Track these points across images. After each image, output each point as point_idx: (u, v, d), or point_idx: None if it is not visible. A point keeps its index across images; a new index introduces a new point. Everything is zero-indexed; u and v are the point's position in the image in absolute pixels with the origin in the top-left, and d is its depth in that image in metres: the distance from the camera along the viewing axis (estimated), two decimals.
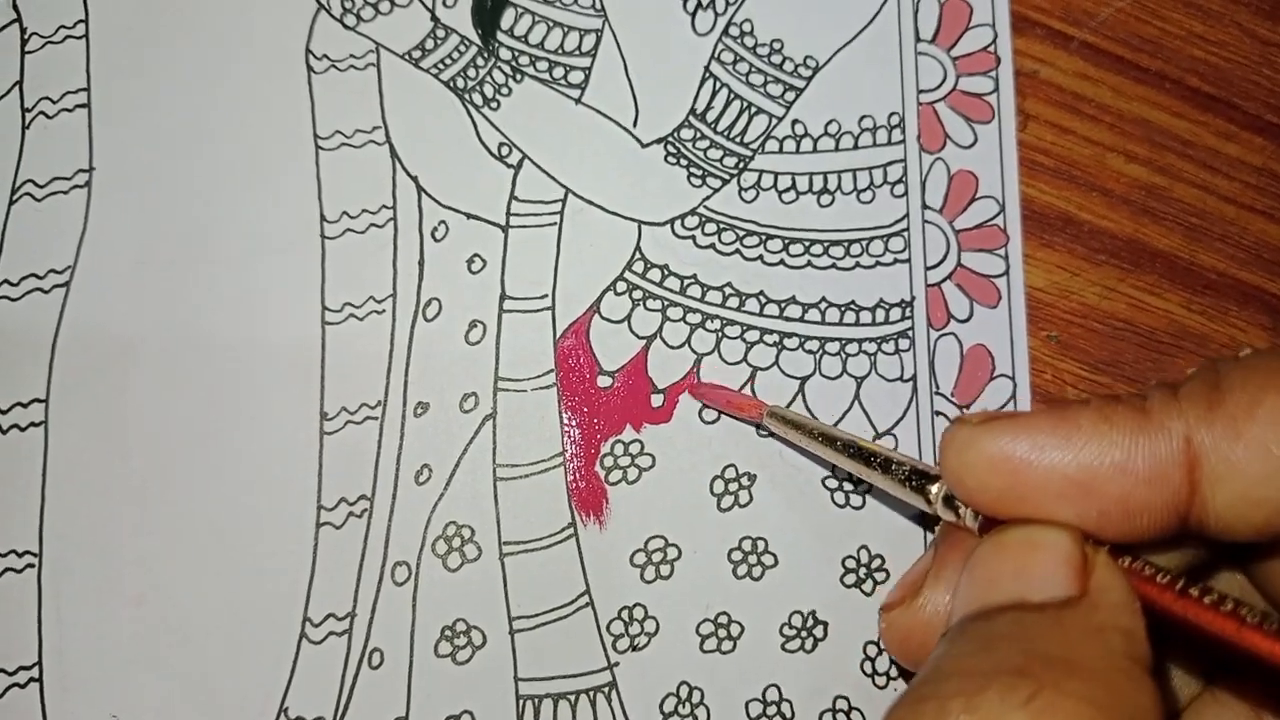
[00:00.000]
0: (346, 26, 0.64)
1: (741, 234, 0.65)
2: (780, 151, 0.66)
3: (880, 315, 0.65)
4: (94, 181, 0.62)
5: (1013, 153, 0.67)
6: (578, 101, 0.65)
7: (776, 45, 0.67)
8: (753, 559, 0.62)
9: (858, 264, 0.65)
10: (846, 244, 0.65)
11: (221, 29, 0.64)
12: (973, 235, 0.66)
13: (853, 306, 0.65)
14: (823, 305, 0.64)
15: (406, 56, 0.64)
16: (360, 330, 0.62)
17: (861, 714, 0.61)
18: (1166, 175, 0.68)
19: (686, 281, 0.64)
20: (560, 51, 0.65)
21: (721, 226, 0.65)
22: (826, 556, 0.63)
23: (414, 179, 0.63)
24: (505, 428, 0.62)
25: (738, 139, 0.66)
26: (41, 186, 0.62)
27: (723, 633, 0.61)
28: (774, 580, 0.62)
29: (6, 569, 0.58)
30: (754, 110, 0.66)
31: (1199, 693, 0.49)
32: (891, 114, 0.67)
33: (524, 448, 0.62)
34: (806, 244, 0.65)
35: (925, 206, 0.66)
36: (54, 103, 0.63)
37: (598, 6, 0.66)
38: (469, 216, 0.64)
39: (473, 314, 0.63)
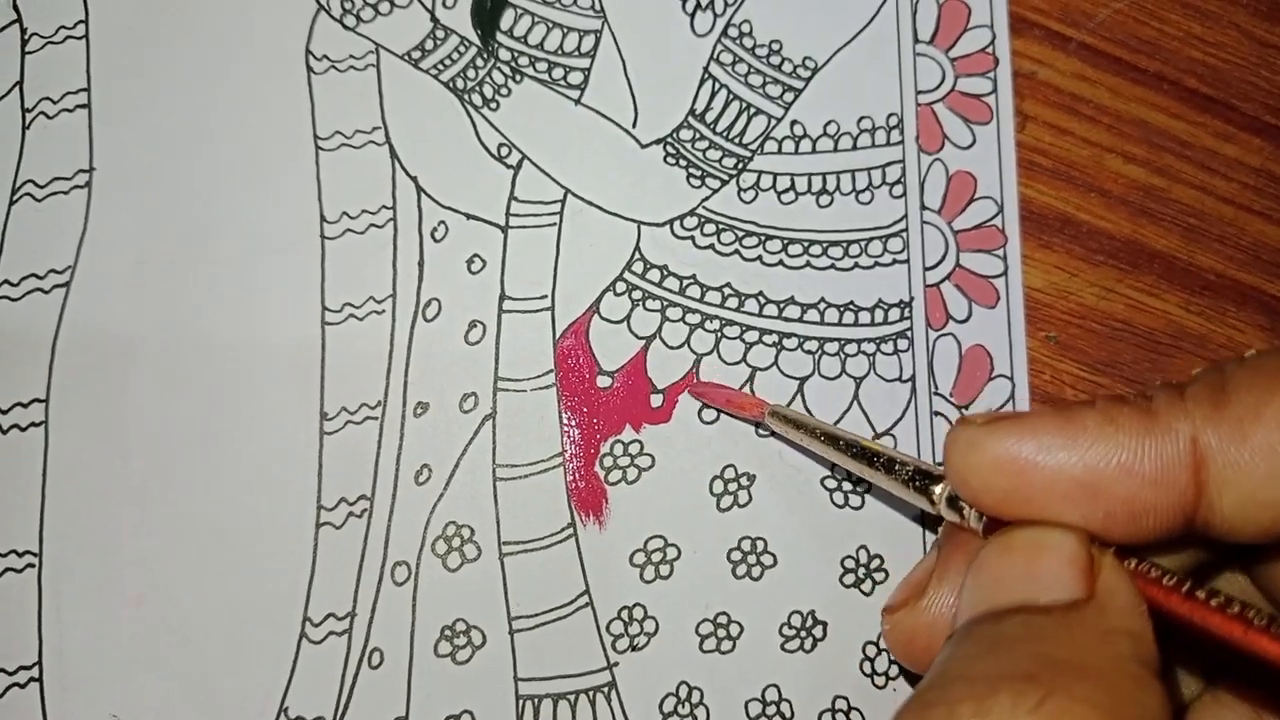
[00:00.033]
0: (346, 27, 0.64)
1: (741, 234, 0.65)
2: (779, 152, 0.66)
3: (879, 316, 0.65)
4: (94, 182, 0.62)
5: (1011, 153, 0.67)
6: (577, 102, 0.65)
7: (775, 46, 0.67)
8: (752, 559, 0.62)
9: (856, 264, 0.65)
10: (845, 244, 0.65)
11: (221, 29, 0.64)
12: (971, 236, 0.66)
13: (851, 307, 0.65)
14: (822, 306, 0.65)
15: (406, 57, 0.65)
16: (360, 330, 0.62)
17: (861, 714, 0.61)
18: (1165, 176, 0.68)
19: (686, 282, 0.64)
20: (560, 52, 0.65)
21: (721, 227, 0.65)
22: (826, 556, 0.63)
23: (414, 179, 0.64)
24: (505, 428, 0.62)
25: (737, 140, 0.66)
26: (42, 187, 0.62)
27: (722, 633, 0.61)
28: (773, 580, 0.62)
29: (7, 569, 0.58)
30: (753, 111, 0.66)
31: (1200, 693, 0.49)
32: (890, 115, 0.67)
33: (523, 448, 0.62)
34: (805, 244, 0.65)
35: (924, 207, 0.66)
36: (54, 103, 0.63)
37: (597, 7, 0.66)
38: (468, 217, 0.64)
39: (472, 314, 0.63)
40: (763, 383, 0.64)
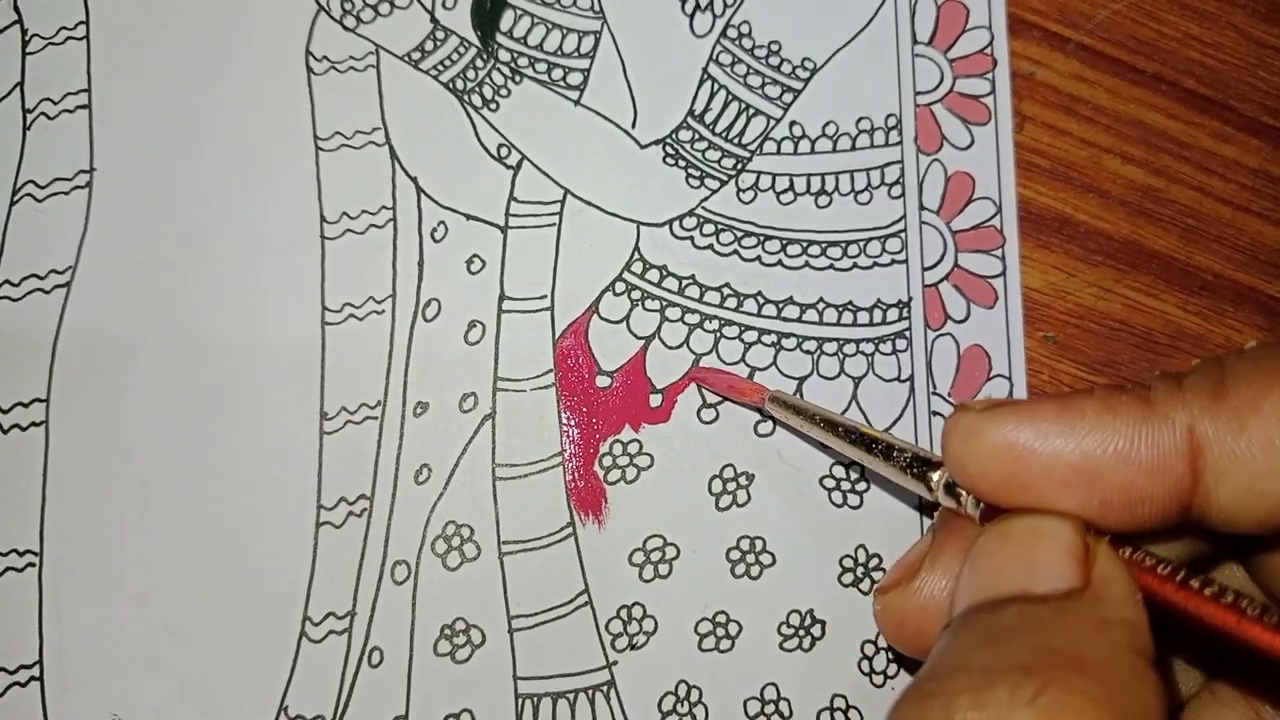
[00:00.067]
0: (346, 28, 0.65)
1: (740, 235, 0.65)
2: (778, 153, 0.66)
3: (878, 316, 0.65)
4: (95, 182, 0.62)
5: (1009, 154, 0.67)
6: (576, 103, 0.65)
7: (774, 47, 0.67)
8: (751, 558, 0.62)
9: (855, 265, 0.65)
10: (844, 245, 0.65)
11: (222, 30, 0.64)
12: (970, 236, 0.66)
13: (850, 307, 0.65)
14: (820, 306, 0.65)
15: (406, 58, 0.65)
16: (360, 330, 0.62)
17: (859, 712, 0.61)
18: (1163, 177, 0.68)
19: (685, 282, 0.64)
20: (559, 53, 0.65)
21: (720, 227, 0.65)
22: (824, 556, 0.63)
23: (413, 180, 0.64)
24: (504, 427, 0.62)
25: (736, 140, 0.66)
26: (42, 187, 0.62)
27: (721, 631, 0.61)
28: (772, 579, 0.62)
29: (7, 568, 0.58)
30: (752, 112, 0.66)
31: (1200, 687, 0.49)
32: (889, 115, 0.67)
33: (523, 447, 0.62)
34: (804, 245, 0.65)
35: (922, 208, 0.66)
36: (55, 104, 0.63)
37: (596, 8, 0.66)
38: (468, 217, 0.64)
39: (472, 314, 0.63)
40: (761, 382, 0.64)
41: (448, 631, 0.60)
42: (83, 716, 0.58)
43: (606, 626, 0.61)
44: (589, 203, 0.65)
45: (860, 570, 0.63)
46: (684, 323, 0.64)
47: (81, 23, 0.64)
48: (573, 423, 0.63)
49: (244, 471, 0.60)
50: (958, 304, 0.65)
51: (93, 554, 0.59)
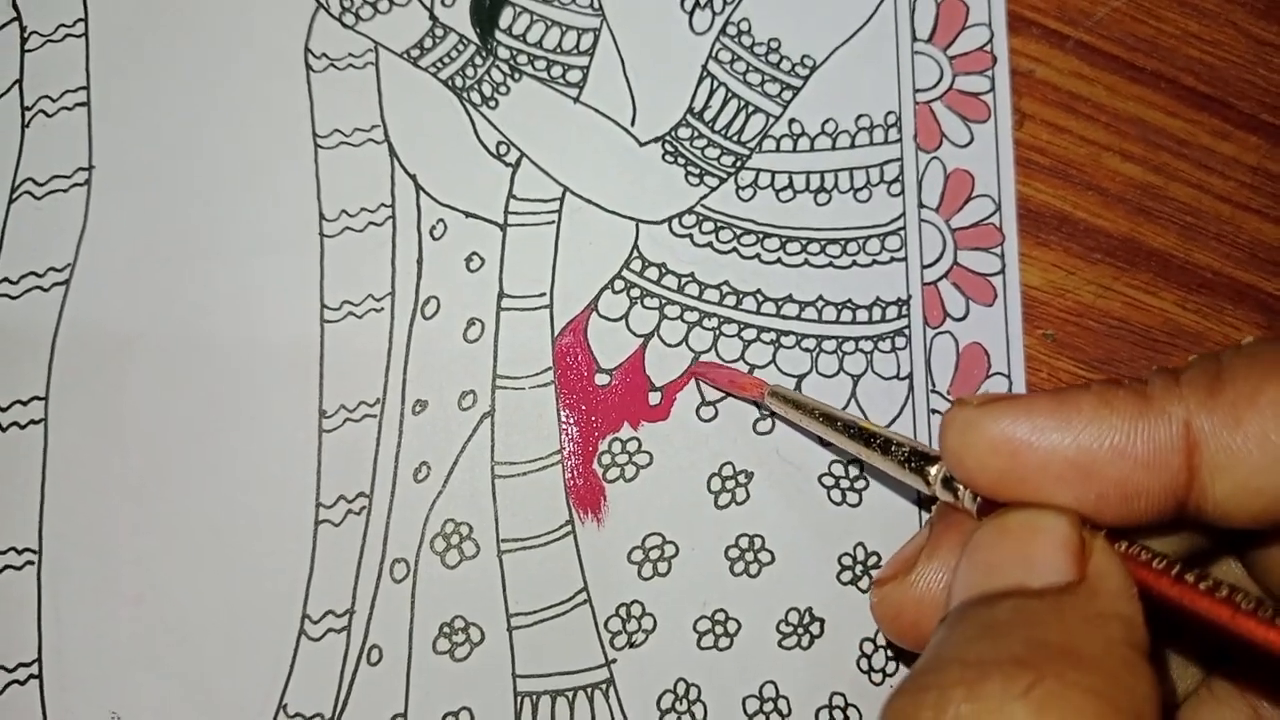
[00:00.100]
0: (345, 25, 0.65)
1: (739, 232, 0.65)
2: (777, 150, 0.66)
3: (877, 313, 0.65)
4: (93, 180, 0.62)
5: (1009, 152, 0.67)
6: (576, 100, 0.65)
7: (774, 44, 0.67)
8: (750, 556, 0.62)
9: (854, 262, 0.65)
10: (843, 242, 0.65)
11: (221, 28, 0.64)
12: (969, 234, 0.66)
13: (849, 305, 0.65)
14: (819, 303, 0.65)
15: (405, 55, 0.65)
16: (359, 328, 0.62)
17: (858, 711, 0.61)
18: (1162, 174, 0.68)
19: (684, 280, 0.64)
20: (558, 50, 0.65)
21: (719, 225, 0.65)
22: (823, 554, 0.63)
23: (412, 177, 0.64)
24: (503, 425, 0.62)
25: (735, 138, 0.66)
26: (41, 185, 0.62)
27: (720, 630, 0.61)
28: (771, 577, 0.62)
29: (6, 566, 0.58)
30: (751, 109, 0.66)
31: (1198, 684, 0.49)
32: (888, 113, 0.67)
33: (522, 445, 0.62)
34: (803, 242, 0.65)
35: (922, 205, 0.66)
36: (54, 101, 0.63)
37: (596, 6, 0.66)
38: (467, 215, 0.64)
39: (471, 312, 0.63)
40: (762, 378, 0.64)
41: (447, 629, 0.60)
42: (82, 715, 0.57)
43: (605, 625, 0.61)
44: (588, 200, 0.65)
45: (859, 568, 0.63)
46: (683, 320, 0.64)
47: (80, 20, 0.64)
48: (572, 421, 0.62)
49: (243, 470, 0.60)
50: (957, 302, 0.65)
51: (91, 552, 0.59)
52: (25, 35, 0.63)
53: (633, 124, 0.65)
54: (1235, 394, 0.40)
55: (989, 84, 0.67)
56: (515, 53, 0.65)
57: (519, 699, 0.59)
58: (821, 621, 0.62)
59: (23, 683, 0.58)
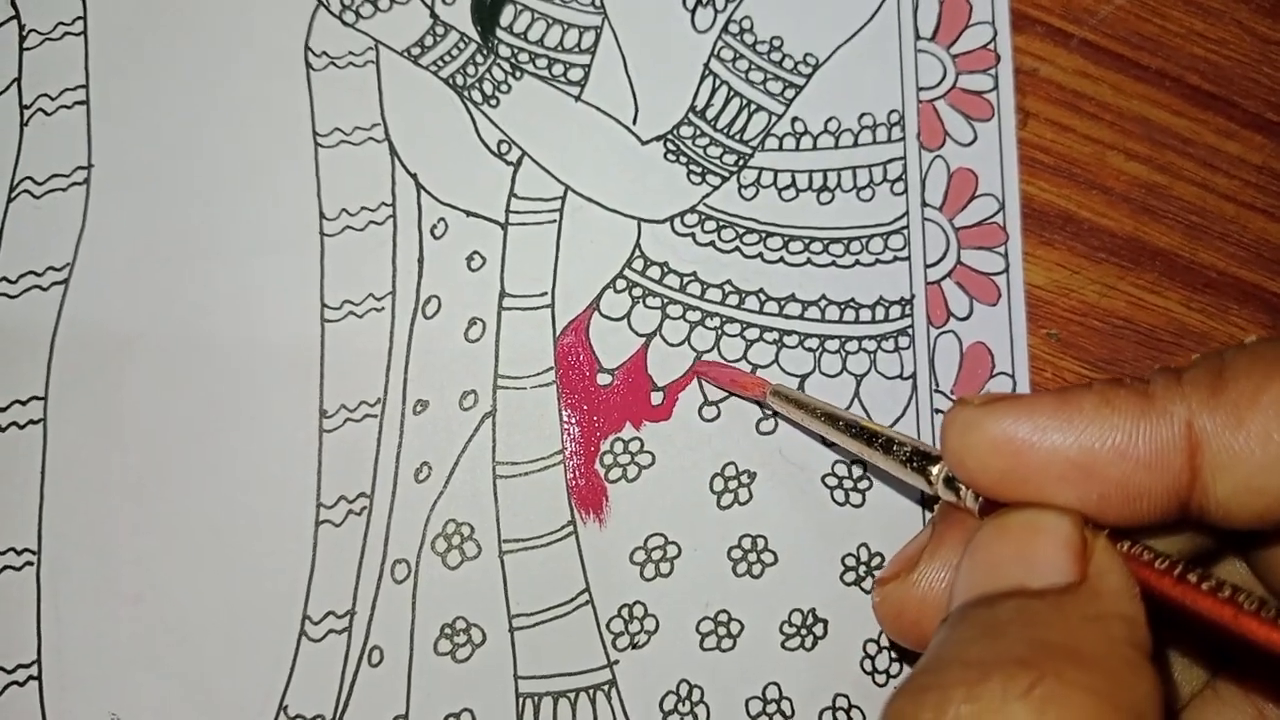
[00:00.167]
0: (345, 23, 0.64)
1: (741, 231, 0.65)
2: (780, 149, 0.66)
3: (880, 313, 0.65)
4: (93, 179, 0.62)
5: (1012, 150, 0.67)
6: (577, 99, 0.65)
7: (776, 42, 0.67)
8: (752, 557, 0.62)
9: (857, 261, 0.65)
10: (846, 241, 0.65)
11: (220, 26, 0.64)
12: (972, 233, 0.66)
13: (852, 304, 0.65)
14: (822, 303, 0.64)
15: (405, 53, 0.64)
16: (359, 328, 0.62)
17: (861, 712, 0.61)
18: (1166, 173, 0.68)
19: (686, 279, 0.64)
20: (560, 48, 0.65)
21: (721, 224, 0.65)
22: (826, 554, 0.62)
23: (413, 176, 0.63)
24: (505, 425, 0.62)
25: (737, 136, 0.66)
26: (40, 184, 0.62)
27: (723, 630, 0.61)
28: (774, 578, 0.62)
29: (5, 566, 0.58)
30: (754, 107, 0.66)
31: (1202, 686, 0.49)
32: (891, 111, 0.67)
33: (524, 445, 0.62)
34: (806, 241, 0.65)
35: (925, 204, 0.66)
36: (53, 100, 0.63)
37: (597, 4, 0.66)
38: (468, 214, 0.64)
39: (472, 311, 0.63)
40: (764, 378, 0.63)
41: (448, 630, 0.59)
42: (81, 716, 0.57)
43: (607, 625, 0.61)
44: (590, 199, 0.64)
45: (862, 569, 0.62)
46: (685, 320, 0.64)
47: (79, 18, 0.64)
48: (573, 421, 0.62)
49: (243, 470, 0.60)
50: (960, 301, 0.65)
51: (91, 552, 0.59)
52: (24, 33, 0.63)
53: (634, 122, 0.65)
54: (1237, 393, 0.39)
55: (992, 82, 0.67)
56: (516, 51, 0.65)
57: (520, 700, 0.59)
58: (825, 622, 0.62)
59: (22, 684, 0.57)
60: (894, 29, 0.67)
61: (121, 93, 0.63)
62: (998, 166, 0.66)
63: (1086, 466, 0.40)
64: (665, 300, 0.64)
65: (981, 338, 0.65)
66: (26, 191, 0.62)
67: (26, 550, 0.58)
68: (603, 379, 0.63)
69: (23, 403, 0.60)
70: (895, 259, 0.65)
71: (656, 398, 0.63)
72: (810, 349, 0.64)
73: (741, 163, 0.65)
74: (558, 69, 0.65)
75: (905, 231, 0.66)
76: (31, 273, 0.61)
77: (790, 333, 0.64)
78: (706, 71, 0.66)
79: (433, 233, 0.63)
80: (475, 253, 0.63)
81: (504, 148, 0.64)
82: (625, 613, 0.61)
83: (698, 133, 0.65)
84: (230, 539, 0.59)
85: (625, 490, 0.62)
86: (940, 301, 0.65)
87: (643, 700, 0.60)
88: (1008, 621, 0.37)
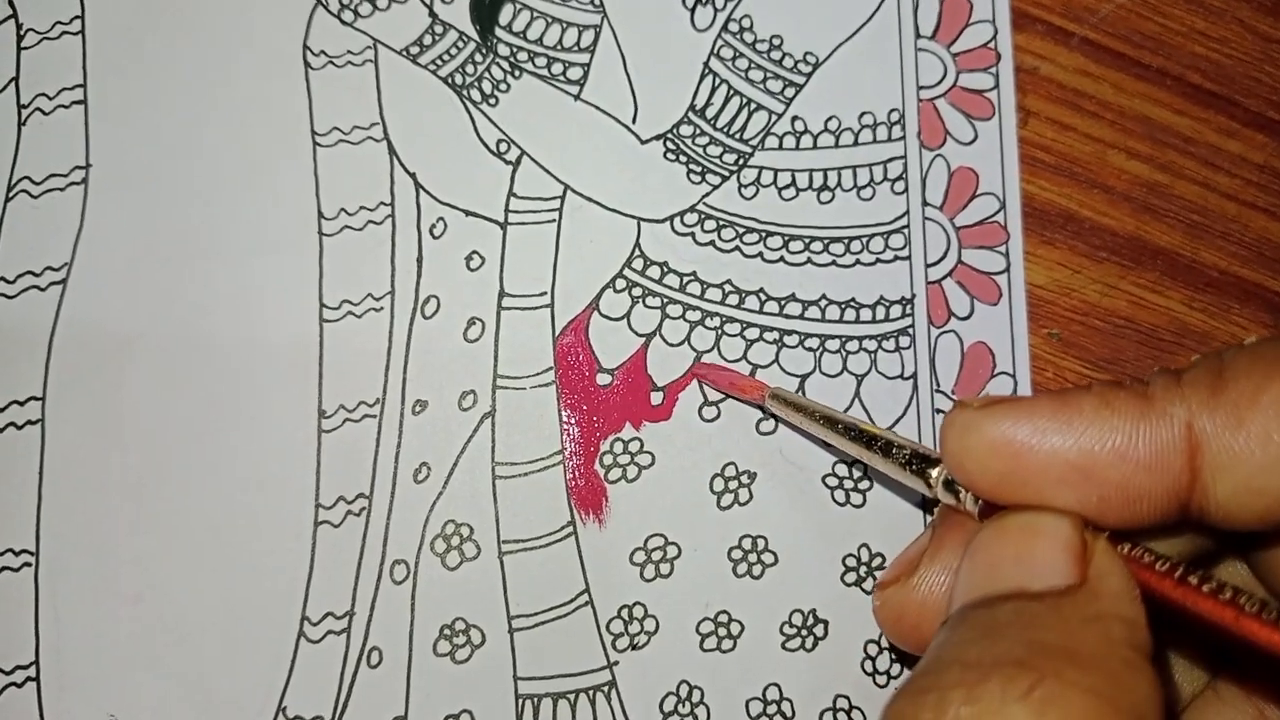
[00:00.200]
0: (344, 22, 0.64)
1: (741, 231, 0.65)
2: (780, 148, 0.66)
3: (880, 312, 0.65)
4: (91, 178, 0.62)
5: (1013, 149, 0.67)
6: (576, 98, 0.65)
7: (776, 41, 0.66)
8: (753, 557, 0.62)
9: (858, 261, 0.65)
10: (846, 241, 0.65)
11: (219, 25, 0.64)
12: (973, 232, 0.66)
13: (853, 304, 0.64)
14: (823, 302, 0.64)
15: (404, 52, 0.64)
16: (358, 328, 0.62)
17: (862, 713, 0.61)
18: (1168, 172, 0.67)
19: (686, 279, 0.64)
20: (559, 47, 0.65)
21: (721, 223, 0.65)
22: (827, 555, 0.62)
23: (412, 175, 0.63)
24: (504, 426, 0.62)
25: (737, 135, 0.66)
26: (38, 184, 0.62)
27: (723, 631, 0.61)
28: (774, 579, 0.62)
29: (3, 568, 0.58)
30: (754, 106, 0.66)
31: (1203, 687, 0.49)
32: (891, 110, 0.67)
33: (523, 446, 0.62)
34: (806, 241, 0.65)
35: (926, 203, 0.66)
36: (50, 99, 0.63)
37: (596, 2, 0.66)
38: (467, 213, 0.63)
39: (471, 311, 0.62)
40: (764, 379, 0.63)
41: (447, 631, 0.59)
42: (79, 717, 0.57)
43: (607, 626, 0.60)
44: (589, 199, 0.64)
45: (863, 570, 0.62)
46: (685, 320, 0.64)
47: (77, 17, 0.63)
48: (573, 421, 0.62)
49: (242, 470, 0.60)
50: (961, 301, 0.65)
51: (90, 553, 0.59)
52: (21, 32, 0.63)
53: (634, 121, 0.65)
54: (1237, 393, 0.39)
55: (993, 81, 0.67)
56: (515, 50, 0.65)
57: (520, 701, 0.59)
58: (825, 623, 0.62)
59: (20, 685, 0.57)
60: (894, 27, 0.67)
61: (119, 92, 0.63)
62: (998, 165, 0.66)
63: (1086, 469, 0.40)
64: (665, 300, 0.64)
65: (982, 337, 0.65)
66: (24, 191, 0.61)
67: (24, 551, 0.58)
68: (602, 379, 0.63)
69: (20, 403, 0.60)
70: (896, 258, 0.65)
71: (656, 398, 0.63)
72: (810, 349, 0.64)
73: (741, 162, 0.65)
74: (557, 68, 0.65)
75: (906, 231, 0.65)
76: (29, 273, 0.61)
77: (790, 332, 0.64)
78: (706, 70, 0.66)
79: (431, 232, 0.63)
80: (474, 252, 0.63)
81: (503, 147, 0.64)
82: (625, 613, 0.61)
83: (697, 132, 0.65)
84: (229, 539, 0.59)
85: (625, 490, 0.62)
86: (941, 301, 0.65)
87: (642, 701, 0.60)
88: (1007, 623, 0.37)
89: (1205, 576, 0.38)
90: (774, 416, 0.63)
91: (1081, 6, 0.68)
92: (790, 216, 0.65)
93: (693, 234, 0.64)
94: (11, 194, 0.61)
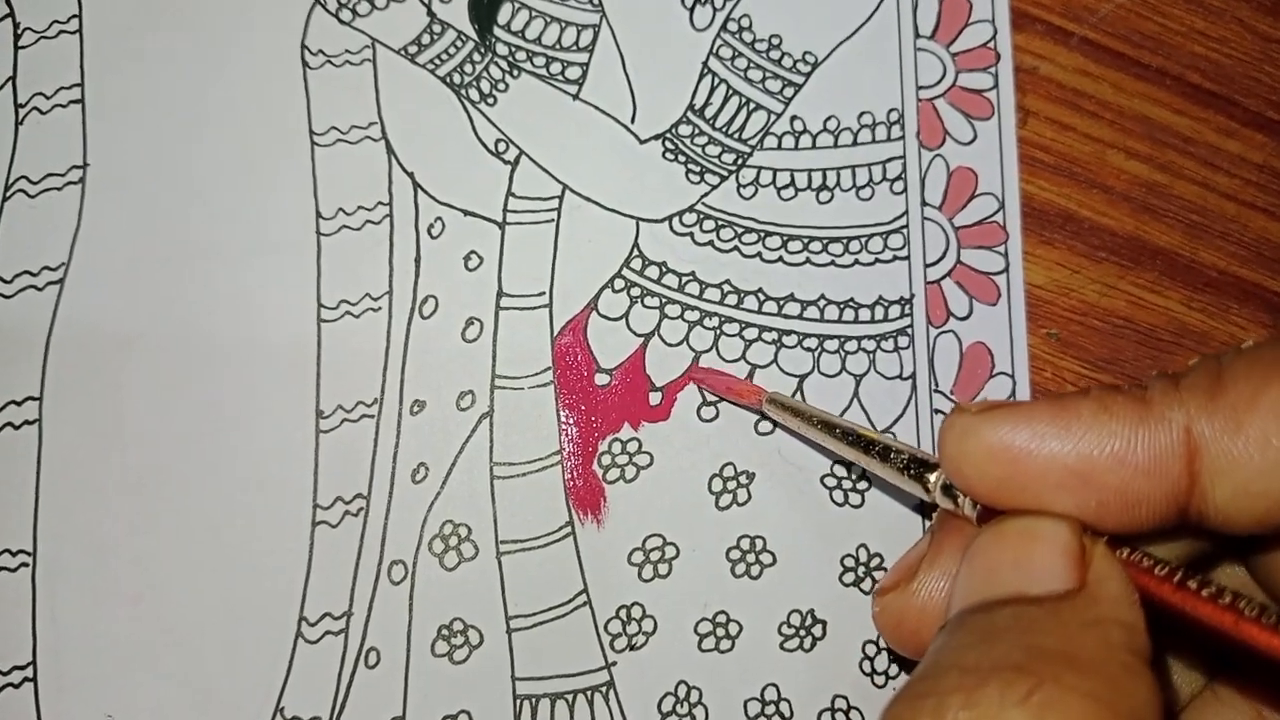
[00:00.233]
0: (342, 21, 0.64)
1: (740, 231, 0.65)
2: (779, 148, 0.66)
3: (879, 312, 0.65)
4: (88, 178, 0.62)
5: (1012, 149, 0.67)
6: (575, 97, 0.65)
7: (775, 41, 0.66)
8: (751, 558, 0.62)
9: (857, 261, 0.65)
10: (845, 241, 0.65)
11: (216, 25, 0.64)
12: (972, 232, 0.66)
13: (852, 304, 0.64)
14: (821, 302, 0.64)
15: (402, 52, 0.64)
16: (356, 328, 0.62)
17: (860, 713, 0.61)
18: (1167, 172, 0.67)
19: (684, 278, 0.64)
20: (557, 47, 0.65)
21: (720, 223, 0.65)
22: (825, 555, 0.62)
23: (410, 175, 0.63)
24: (502, 426, 0.62)
25: (736, 135, 0.65)
26: (35, 183, 0.62)
27: (721, 632, 0.61)
28: (772, 579, 0.62)
29: (1, 568, 0.58)
30: (753, 106, 0.66)
31: (1201, 689, 0.49)
32: (891, 110, 0.67)
33: (521, 446, 0.62)
34: (805, 241, 0.65)
35: (925, 203, 0.66)
36: (48, 98, 0.63)
37: (595, 2, 0.66)
38: (466, 213, 0.63)
39: (470, 311, 0.62)
40: (762, 380, 0.63)
41: (445, 632, 0.59)
42: (77, 717, 0.57)
43: (605, 627, 0.60)
44: (588, 198, 0.64)
45: (861, 570, 0.62)
46: (684, 320, 0.63)
47: (74, 16, 0.63)
48: (571, 421, 0.62)
49: (240, 470, 0.60)
50: (960, 301, 0.65)
51: (87, 553, 0.59)
52: (19, 32, 0.63)
53: (633, 121, 0.65)
54: (1235, 397, 0.39)
55: (992, 81, 0.67)
56: (514, 49, 0.65)
57: (518, 702, 0.59)
58: (823, 623, 0.62)
59: (17, 686, 0.57)
60: (893, 27, 0.67)
61: (117, 91, 0.63)
62: (998, 165, 0.66)
63: (1085, 473, 0.40)
64: (664, 300, 0.63)
65: (981, 337, 0.65)
66: (21, 191, 0.61)
67: (21, 552, 0.58)
68: (601, 379, 0.63)
69: (18, 403, 0.59)
70: (895, 258, 0.65)
71: (655, 398, 0.63)
72: (809, 349, 0.64)
73: (740, 161, 0.65)
74: (555, 67, 0.65)
75: (905, 231, 0.65)
76: (27, 272, 0.61)
77: (789, 332, 0.64)
78: (705, 70, 0.66)
79: (430, 232, 0.63)
80: (472, 252, 0.63)
81: (501, 146, 0.64)
82: (623, 614, 0.61)
83: (696, 131, 0.65)
84: (226, 540, 0.59)
85: (623, 491, 0.62)
86: (940, 301, 0.65)
87: (641, 702, 0.60)
88: (1005, 628, 0.37)
89: (1204, 581, 0.38)
90: (772, 422, 0.63)
91: (1081, 6, 0.68)
92: (789, 216, 0.65)
93: (691, 234, 0.64)
94: (9, 193, 0.61)
